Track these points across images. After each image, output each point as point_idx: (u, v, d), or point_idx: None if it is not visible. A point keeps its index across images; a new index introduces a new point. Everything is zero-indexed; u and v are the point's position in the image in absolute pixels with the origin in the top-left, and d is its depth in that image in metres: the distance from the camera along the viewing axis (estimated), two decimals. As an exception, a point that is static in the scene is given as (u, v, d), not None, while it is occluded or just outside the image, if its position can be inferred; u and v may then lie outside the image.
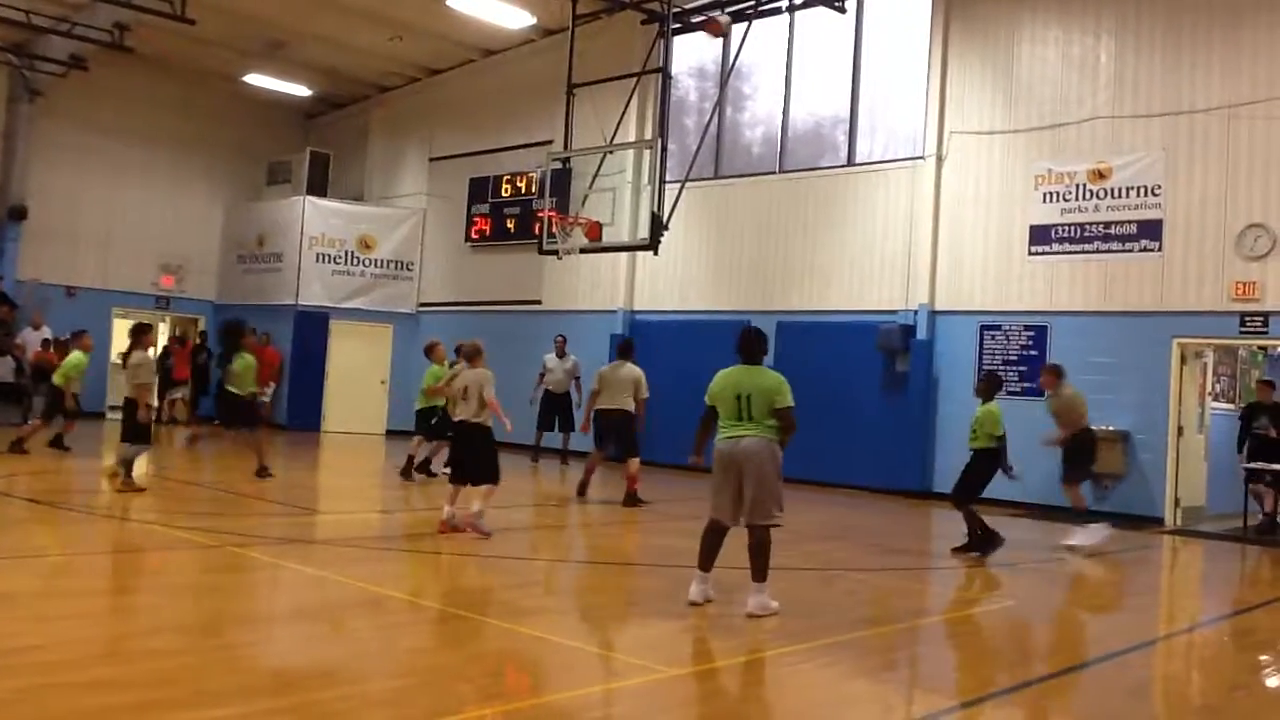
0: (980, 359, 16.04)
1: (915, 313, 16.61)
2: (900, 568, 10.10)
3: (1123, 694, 6.12)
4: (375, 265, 23.86)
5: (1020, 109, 16.00)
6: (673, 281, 19.66)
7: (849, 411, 17.08)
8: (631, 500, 13.31)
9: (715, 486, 7.43)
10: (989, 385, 11.34)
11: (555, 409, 18.71)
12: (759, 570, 7.23)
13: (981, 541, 10.52)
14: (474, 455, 9.85)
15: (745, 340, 7.51)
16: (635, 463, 13.58)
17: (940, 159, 16.57)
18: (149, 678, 5.07)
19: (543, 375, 18.61)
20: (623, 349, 14.84)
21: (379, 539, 10.16)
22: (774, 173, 18.76)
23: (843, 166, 17.93)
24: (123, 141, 24.01)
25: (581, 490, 13.80)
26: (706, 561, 7.43)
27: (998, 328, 15.94)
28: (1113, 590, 10.36)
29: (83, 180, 23.56)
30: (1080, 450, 12.13)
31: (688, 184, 17.25)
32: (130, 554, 8.69)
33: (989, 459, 10.89)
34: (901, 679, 6.38)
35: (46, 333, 21.37)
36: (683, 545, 10.42)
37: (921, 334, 16.51)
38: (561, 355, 18.78)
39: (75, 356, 15.17)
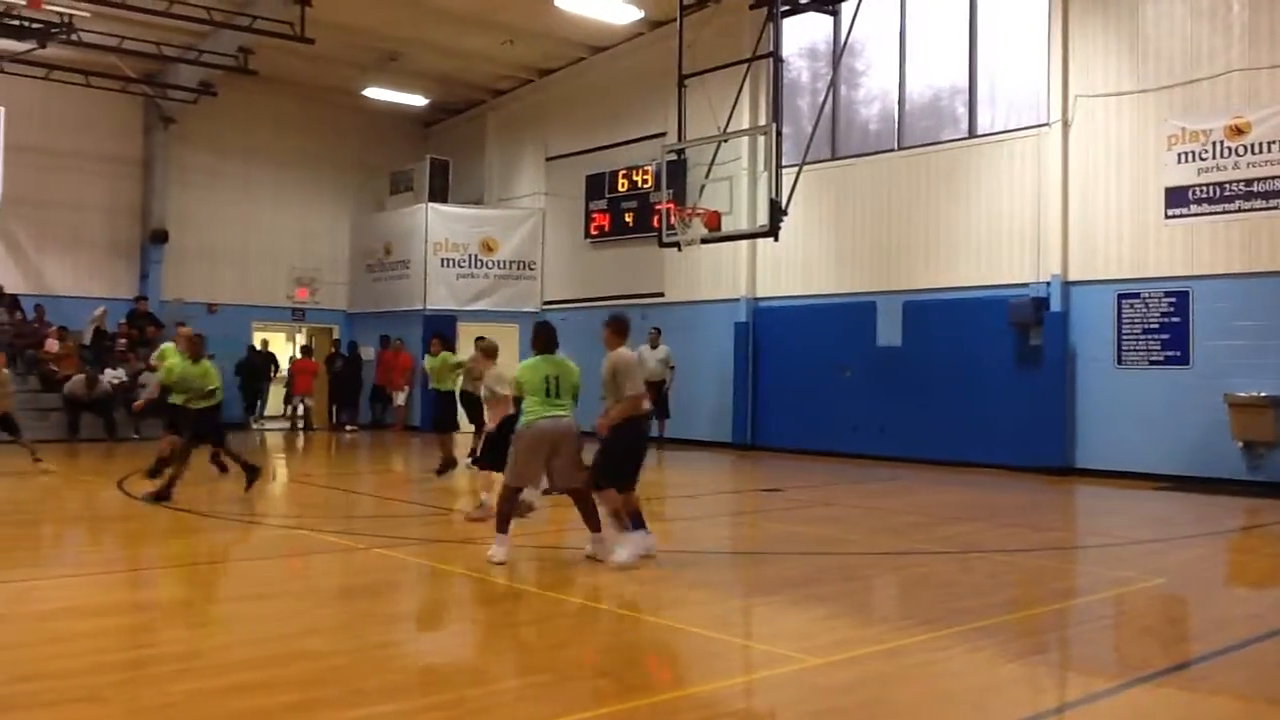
0: (1119, 329, 15.52)
1: (1048, 284, 16.15)
2: (1044, 548, 9.83)
3: (1290, 672, 5.85)
4: (498, 266, 24.25)
5: (1149, 67, 15.39)
6: (795, 266, 19.51)
7: (982, 389, 16.73)
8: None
9: (528, 457, 8.24)
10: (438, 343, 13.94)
11: (651, 398, 19.37)
12: (597, 523, 8.34)
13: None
14: None
15: (547, 334, 8.61)
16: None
17: (1066, 124, 16.07)
18: (304, 678, 5.24)
19: None
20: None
21: (515, 535, 10.32)
22: (893, 150, 18.45)
23: (964, 139, 17.53)
24: (252, 161, 24.93)
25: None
26: (508, 523, 8.31)
27: (1136, 295, 15.39)
28: (1269, 564, 9.90)
29: (217, 201, 24.54)
30: (627, 442, 8.46)
31: (805, 167, 17.06)
32: (279, 559, 9.00)
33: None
34: (1052, 662, 6.21)
35: (192, 349, 22.26)
36: (814, 532, 10.39)
37: (1055, 306, 16.04)
38: (655, 346, 19.42)
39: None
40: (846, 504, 12.73)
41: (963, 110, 17.71)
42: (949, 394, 17.12)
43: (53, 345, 20.71)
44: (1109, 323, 15.64)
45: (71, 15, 18.49)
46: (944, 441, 17.05)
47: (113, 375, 20.36)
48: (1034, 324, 16.21)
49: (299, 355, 25.08)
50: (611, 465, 8.29)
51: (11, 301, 21.45)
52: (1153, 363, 15.24)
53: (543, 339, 8.58)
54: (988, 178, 17.07)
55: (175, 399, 12.34)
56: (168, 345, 13.71)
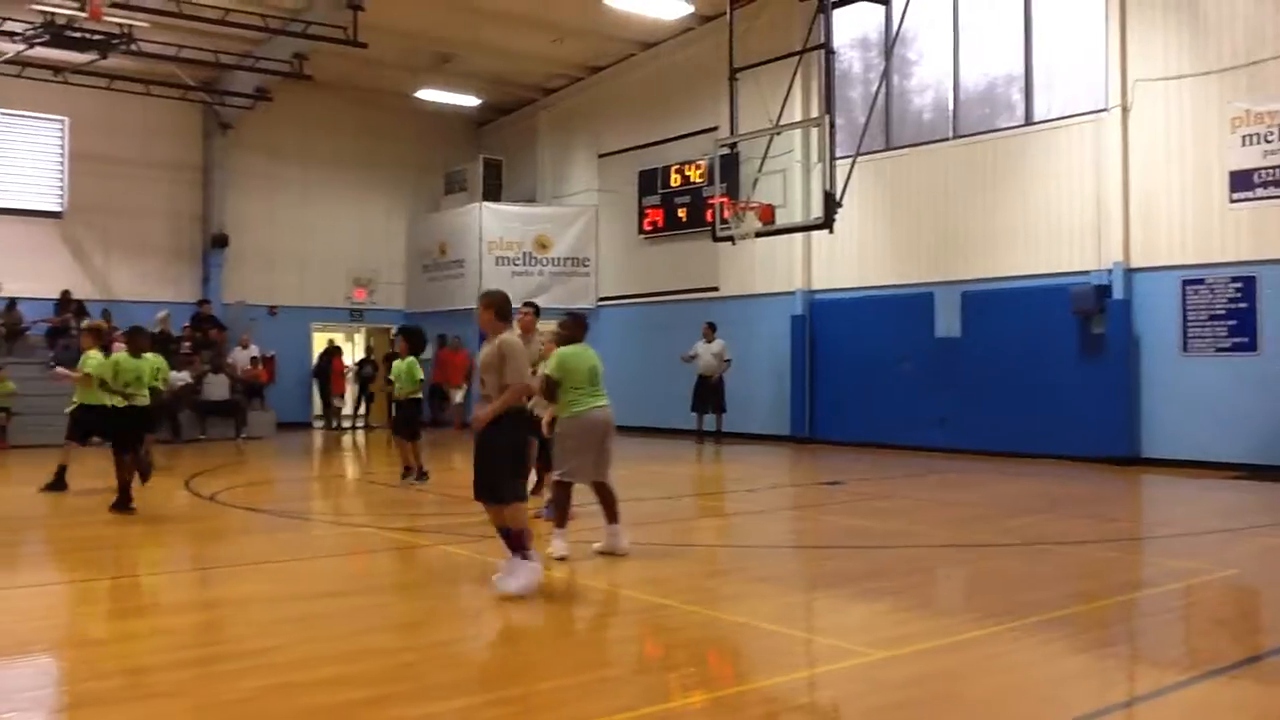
0: (1184, 315, 15.24)
1: (1109, 272, 15.90)
2: (1111, 539, 9.69)
3: (1370, 664, 5.72)
4: (553, 264, 24.35)
5: (1210, 48, 15.08)
6: (850, 258, 19.37)
7: (1044, 379, 16.53)
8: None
9: (581, 450, 8.23)
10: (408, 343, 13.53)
11: (707, 392, 19.61)
12: (618, 514, 8.40)
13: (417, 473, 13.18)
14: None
15: (583, 324, 8.70)
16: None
17: (1125, 109, 15.80)
18: (377, 675, 5.31)
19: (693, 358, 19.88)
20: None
21: (578, 530, 10.37)
22: (948, 138, 18.25)
23: (1021, 126, 17.29)
24: (308, 165, 25.26)
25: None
26: (566, 519, 8.38)
27: (1200, 282, 15.10)
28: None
29: (275, 205, 24.91)
30: (520, 443, 7.43)
31: (859, 158, 16.95)
32: (345, 557, 9.13)
33: (415, 405, 13.44)
34: (1121, 655, 6.12)
35: (254, 351, 22.73)
36: (876, 526, 10.33)
37: (1118, 293, 15.79)
38: (710, 341, 19.62)
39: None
40: (908, 497, 12.64)
41: (1019, 97, 17.47)
42: (1010, 384, 16.93)
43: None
44: (1174, 310, 15.36)
45: (131, 26, 18.85)
46: (1006, 433, 16.86)
47: (177, 377, 20.72)
48: (1096, 312, 15.97)
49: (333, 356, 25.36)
50: (511, 474, 7.13)
51: (78, 307, 21.91)
52: (1219, 350, 14.96)
53: (581, 328, 8.62)
54: (1046, 165, 16.83)
55: (113, 400, 11.01)
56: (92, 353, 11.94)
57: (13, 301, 21.42)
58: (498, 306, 7.30)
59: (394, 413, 13.80)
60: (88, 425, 11.95)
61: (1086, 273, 16.20)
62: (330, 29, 19.64)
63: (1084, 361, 16.21)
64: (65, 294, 22.02)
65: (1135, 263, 15.76)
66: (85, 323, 13.22)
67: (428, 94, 24.64)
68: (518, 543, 7.01)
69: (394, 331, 22.34)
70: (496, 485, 7.07)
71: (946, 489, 13.51)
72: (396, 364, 13.62)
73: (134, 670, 5.46)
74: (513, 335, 7.36)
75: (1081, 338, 16.25)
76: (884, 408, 18.67)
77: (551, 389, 8.35)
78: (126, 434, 10.94)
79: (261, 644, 5.93)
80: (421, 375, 13.51)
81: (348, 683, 5.15)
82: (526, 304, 11.26)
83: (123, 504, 10.64)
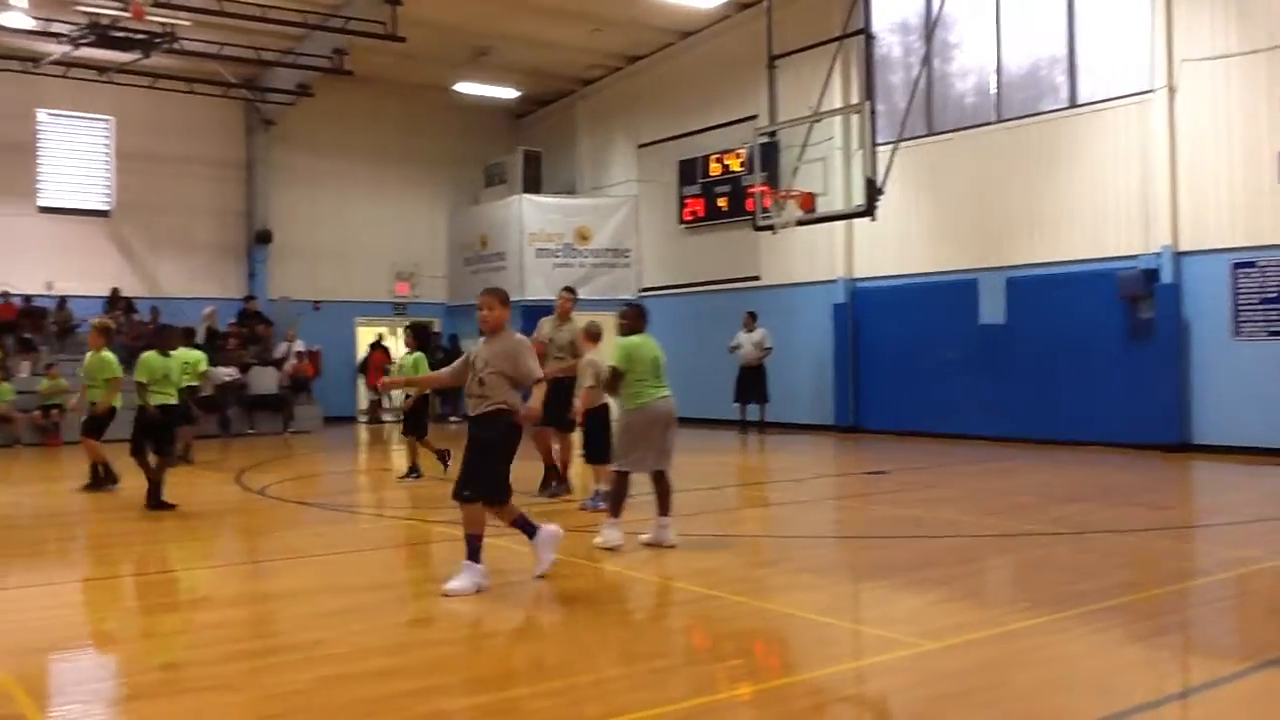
0: (1235, 299, 14.99)
1: (1158, 256, 15.66)
2: (1162, 527, 9.56)
3: None
4: (594, 255, 24.33)
5: (1259, 26, 14.79)
6: (893, 245, 19.21)
7: (1091, 364, 16.34)
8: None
9: (645, 440, 8.25)
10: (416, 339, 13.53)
11: (750, 382, 19.58)
12: (670, 506, 8.38)
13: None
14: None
15: (644, 315, 8.78)
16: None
17: (1172, 90, 15.54)
18: (425, 666, 5.35)
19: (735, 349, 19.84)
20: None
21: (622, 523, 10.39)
22: (991, 123, 18.04)
23: (1065, 109, 17.06)
24: (349, 159, 25.43)
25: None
26: (620, 510, 8.38)
27: (1251, 265, 14.84)
28: None
29: (317, 200, 25.11)
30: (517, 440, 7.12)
31: (900, 144, 16.79)
32: (392, 549, 9.21)
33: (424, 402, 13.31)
34: (1175, 645, 6.04)
35: (299, 346, 22.95)
36: (923, 515, 10.26)
37: (1166, 277, 15.56)
38: (751, 330, 19.57)
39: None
40: (955, 485, 12.54)
41: (1063, 79, 17.23)
42: (1056, 370, 16.75)
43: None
44: (1224, 293, 15.11)
45: (173, 25, 19.06)
46: (1053, 420, 16.69)
47: (225, 372, 20.97)
48: (1145, 297, 15.76)
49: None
50: (504, 471, 6.97)
51: (126, 304, 22.22)
52: (1272, 334, 14.70)
53: (642, 318, 8.67)
54: (1091, 148, 16.59)
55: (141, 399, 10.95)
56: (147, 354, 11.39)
57: (63, 300, 21.76)
58: (508, 299, 7.10)
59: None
60: (98, 427, 12.17)
61: (1134, 257, 15.97)
62: (369, 24, 19.77)
63: (1132, 347, 15.99)
64: (115, 291, 22.34)
65: (1184, 246, 15.52)
66: (93, 321, 13.31)
67: (466, 87, 24.72)
68: (473, 546, 6.91)
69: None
70: (493, 484, 6.94)
71: (993, 477, 13.39)
72: (404, 360, 13.59)
73: (186, 663, 5.54)
74: (518, 333, 7.15)
75: (1129, 323, 16.03)
76: (928, 396, 18.52)
77: (616, 380, 8.33)
78: (157, 431, 11.01)
79: (311, 636, 5.98)
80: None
81: (396, 674, 5.18)
82: (566, 289, 11.32)
83: (156, 501, 10.71)
